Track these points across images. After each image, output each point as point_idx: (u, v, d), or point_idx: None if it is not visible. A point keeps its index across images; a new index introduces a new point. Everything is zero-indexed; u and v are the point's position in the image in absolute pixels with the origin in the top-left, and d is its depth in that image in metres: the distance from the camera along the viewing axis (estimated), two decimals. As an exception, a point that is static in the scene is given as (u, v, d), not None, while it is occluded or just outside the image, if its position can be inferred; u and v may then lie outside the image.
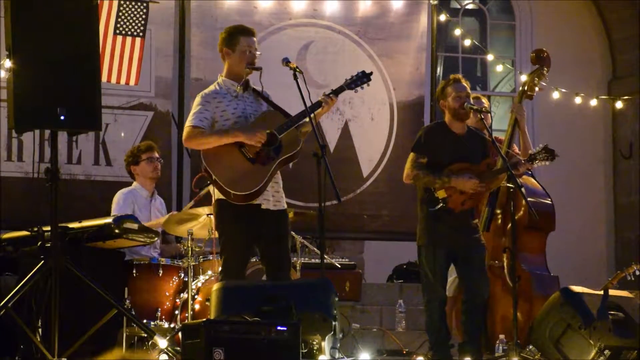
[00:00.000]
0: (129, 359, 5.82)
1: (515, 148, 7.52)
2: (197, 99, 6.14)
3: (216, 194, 6.05)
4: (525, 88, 7.41)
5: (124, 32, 8.96)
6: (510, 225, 6.91)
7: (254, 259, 6.64)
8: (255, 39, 6.20)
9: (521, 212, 7.09)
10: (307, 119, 5.99)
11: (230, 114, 6.08)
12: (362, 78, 6.30)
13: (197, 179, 6.63)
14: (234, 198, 5.95)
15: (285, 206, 6.21)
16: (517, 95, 7.53)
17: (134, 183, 7.70)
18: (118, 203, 7.54)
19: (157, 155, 7.69)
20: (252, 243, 6.16)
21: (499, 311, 7.11)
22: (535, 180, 7.59)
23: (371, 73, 6.34)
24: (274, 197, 6.10)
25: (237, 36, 6.14)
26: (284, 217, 6.16)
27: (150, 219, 7.45)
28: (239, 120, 6.08)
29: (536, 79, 7.42)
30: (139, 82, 9.03)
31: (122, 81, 8.93)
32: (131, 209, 7.44)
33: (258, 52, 6.18)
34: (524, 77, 7.55)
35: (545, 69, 7.44)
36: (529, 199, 6.79)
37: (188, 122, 6.08)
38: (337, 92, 6.17)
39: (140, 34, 9.00)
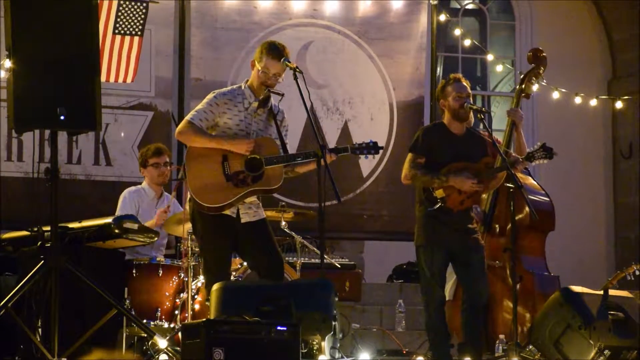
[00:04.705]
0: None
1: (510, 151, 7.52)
2: (210, 96, 6.15)
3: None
4: (523, 87, 7.38)
5: (123, 31, 8.95)
6: (510, 225, 6.90)
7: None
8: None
9: (522, 213, 7.07)
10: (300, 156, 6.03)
11: (234, 124, 6.08)
12: (371, 149, 6.21)
13: (176, 169, 6.69)
14: (198, 205, 5.98)
15: (264, 215, 6.20)
16: (514, 97, 7.49)
17: (143, 182, 7.72)
18: (123, 202, 7.60)
19: (165, 160, 7.66)
20: (229, 252, 6.18)
21: (500, 311, 7.10)
22: (533, 179, 7.58)
23: (381, 147, 6.29)
24: (251, 209, 6.11)
25: (264, 54, 6.12)
26: (264, 226, 6.16)
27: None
28: (240, 133, 6.08)
29: (533, 78, 7.40)
30: (140, 82, 9.03)
31: (120, 79, 8.91)
32: (135, 209, 7.46)
33: (280, 79, 6.13)
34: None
35: (542, 68, 7.42)
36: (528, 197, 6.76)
37: (188, 116, 6.11)
38: (339, 151, 6.15)
39: (139, 32, 8.99)
